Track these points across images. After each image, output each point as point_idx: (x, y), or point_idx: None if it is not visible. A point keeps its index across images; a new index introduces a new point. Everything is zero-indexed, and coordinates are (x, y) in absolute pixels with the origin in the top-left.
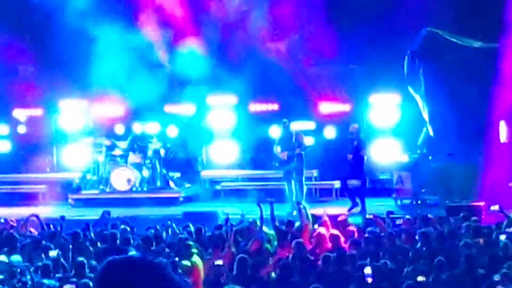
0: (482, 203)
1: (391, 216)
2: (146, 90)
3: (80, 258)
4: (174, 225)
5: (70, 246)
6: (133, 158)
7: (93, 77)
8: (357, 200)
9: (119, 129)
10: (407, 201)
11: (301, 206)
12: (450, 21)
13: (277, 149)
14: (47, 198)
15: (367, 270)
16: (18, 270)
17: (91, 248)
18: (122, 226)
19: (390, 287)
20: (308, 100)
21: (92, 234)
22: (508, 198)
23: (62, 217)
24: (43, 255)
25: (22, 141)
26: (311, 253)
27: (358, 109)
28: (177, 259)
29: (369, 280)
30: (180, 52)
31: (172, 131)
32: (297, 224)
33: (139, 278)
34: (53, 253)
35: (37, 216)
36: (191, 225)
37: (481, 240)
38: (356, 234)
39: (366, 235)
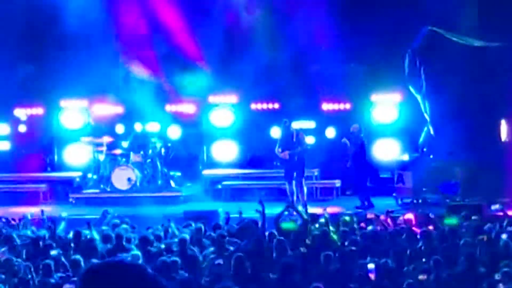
0: None
1: (390, 215)
2: (147, 89)
3: (77, 256)
4: (173, 224)
5: (72, 245)
6: (134, 157)
7: (94, 76)
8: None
9: (120, 129)
10: (408, 200)
11: (298, 206)
12: (452, 19)
13: (278, 150)
14: (48, 197)
15: (371, 266)
16: (22, 270)
17: (96, 246)
18: (124, 226)
19: (391, 286)
20: (309, 99)
21: (94, 233)
22: None
23: (62, 217)
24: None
25: (23, 140)
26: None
27: (359, 108)
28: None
29: (372, 276)
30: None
31: (173, 131)
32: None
33: (120, 282)
34: (53, 252)
35: (41, 212)
36: (193, 224)
37: (485, 237)
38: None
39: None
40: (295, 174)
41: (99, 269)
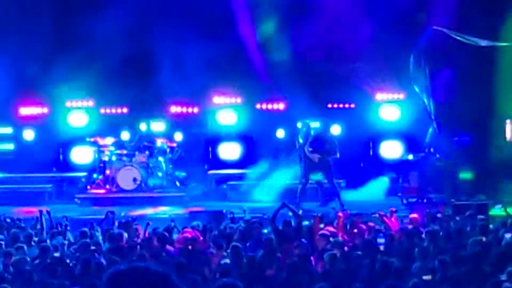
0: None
1: (395, 214)
2: (151, 89)
3: (86, 256)
4: (177, 225)
5: (75, 246)
6: (139, 157)
7: (99, 77)
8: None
9: (125, 129)
10: (413, 200)
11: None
12: (457, 18)
13: (309, 149)
14: (53, 197)
15: (381, 240)
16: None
17: (102, 244)
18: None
19: (397, 286)
20: (315, 99)
21: (99, 234)
22: None
23: (65, 218)
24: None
25: (29, 140)
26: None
27: (364, 107)
28: None
29: (381, 247)
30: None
31: (178, 131)
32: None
33: None
34: (56, 254)
35: (48, 212)
36: (200, 224)
37: (483, 238)
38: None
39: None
40: (324, 178)
41: (124, 273)
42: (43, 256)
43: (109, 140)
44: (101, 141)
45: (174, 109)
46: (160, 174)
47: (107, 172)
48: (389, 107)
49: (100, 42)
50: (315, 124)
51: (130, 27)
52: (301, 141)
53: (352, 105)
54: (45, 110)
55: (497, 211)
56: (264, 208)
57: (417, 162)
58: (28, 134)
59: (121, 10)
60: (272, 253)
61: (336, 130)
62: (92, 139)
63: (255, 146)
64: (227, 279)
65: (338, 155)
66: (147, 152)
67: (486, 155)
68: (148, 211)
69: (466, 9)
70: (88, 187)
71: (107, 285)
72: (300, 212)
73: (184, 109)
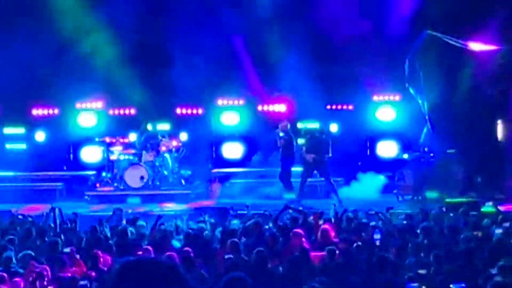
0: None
1: (391, 211)
2: (157, 92)
3: (95, 251)
4: (179, 222)
5: (84, 241)
6: (146, 156)
7: (108, 79)
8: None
9: (133, 129)
10: (408, 197)
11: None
12: (452, 23)
13: (303, 150)
14: (64, 195)
15: (377, 236)
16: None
17: (110, 242)
18: (140, 223)
19: (391, 280)
20: (315, 100)
21: (107, 230)
22: None
23: (75, 214)
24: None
25: (40, 139)
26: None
27: (361, 108)
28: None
29: (377, 243)
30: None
31: (183, 131)
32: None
33: (152, 280)
34: (67, 249)
35: (59, 209)
36: (206, 219)
37: (479, 233)
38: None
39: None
40: (321, 177)
41: (132, 265)
42: (53, 251)
43: (118, 140)
44: (110, 141)
45: (180, 110)
46: (166, 172)
47: (115, 170)
48: (386, 108)
49: (105, 39)
50: (314, 125)
51: (136, 27)
52: (280, 135)
53: (351, 107)
54: (56, 111)
55: (488, 208)
56: (267, 205)
57: (412, 161)
58: (40, 135)
59: (127, 7)
60: (275, 248)
61: (334, 129)
62: (101, 139)
63: (257, 145)
64: (235, 273)
65: (330, 155)
66: (153, 152)
67: (478, 154)
68: (155, 208)
69: (459, 13)
70: (97, 185)
71: (116, 277)
72: (300, 208)
73: (189, 111)
